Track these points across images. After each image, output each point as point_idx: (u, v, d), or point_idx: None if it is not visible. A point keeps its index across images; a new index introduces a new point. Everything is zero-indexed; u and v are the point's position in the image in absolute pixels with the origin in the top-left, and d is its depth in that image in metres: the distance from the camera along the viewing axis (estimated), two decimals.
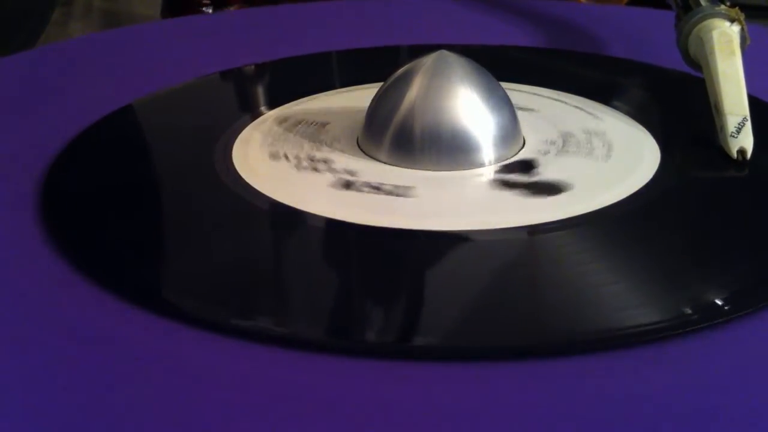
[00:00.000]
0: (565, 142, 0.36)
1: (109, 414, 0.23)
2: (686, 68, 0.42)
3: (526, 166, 0.34)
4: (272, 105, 0.41)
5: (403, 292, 0.28)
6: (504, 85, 0.36)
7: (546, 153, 0.35)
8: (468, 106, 0.34)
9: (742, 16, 0.39)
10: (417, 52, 0.36)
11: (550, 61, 0.49)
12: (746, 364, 0.24)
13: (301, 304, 0.28)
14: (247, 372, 0.24)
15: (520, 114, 0.36)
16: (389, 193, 0.32)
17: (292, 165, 0.35)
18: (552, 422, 0.22)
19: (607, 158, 0.35)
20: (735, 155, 0.35)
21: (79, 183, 0.35)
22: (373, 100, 0.36)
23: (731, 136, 0.35)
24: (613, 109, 0.40)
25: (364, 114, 0.36)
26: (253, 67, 0.47)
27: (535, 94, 0.42)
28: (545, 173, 0.34)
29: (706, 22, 0.39)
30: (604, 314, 0.27)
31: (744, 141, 0.35)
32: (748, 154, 0.34)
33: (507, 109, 0.36)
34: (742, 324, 0.26)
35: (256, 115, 0.40)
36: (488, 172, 0.34)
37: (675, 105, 0.41)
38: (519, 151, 0.36)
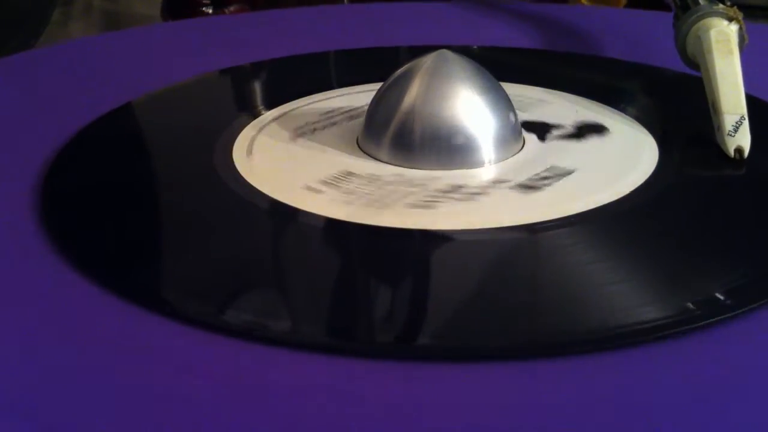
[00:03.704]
0: (560, 151, 0.36)
1: (108, 413, 0.23)
2: (684, 69, 0.42)
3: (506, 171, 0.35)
4: (272, 104, 0.41)
5: (401, 292, 0.28)
6: (504, 85, 0.36)
7: (536, 160, 0.35)
8: (468, 106, 0.35)
9: (740, 15, 0.40)
10: (417, 53, 0.37)
11: (550, 61, 0.49)
12: (747, 362, 0.24)
13: (301, 304, 0.28)
14: (247, 372, 0.24)
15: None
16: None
17: (292, 165, 0.35)
18: (552, 422, 0.22)
19: (597, 169, 0.35)
20: (732, 154, 0.35)
21: (78, 182, 0.35)
22: (373, 100, 0.36)
23: (728, 134, 0.35)
24: (612, 109, 0.40)
25: (364, 114, 0.37)
26: (253, 66, 0.47)
27: (534, 93, 0.42)
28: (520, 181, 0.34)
29: (704, 21, 0.40)
30: (603, 313, 0.27)
31: (741, 140, 0.35)
32: (746, 153, 0.35)
33: (507, 109, 0.36)
34: (743, 321, 0.26)
35: (256, 114, 0.40)
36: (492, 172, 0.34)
37: (673, 105, 0.42)
38: (519, 150, 0.36)
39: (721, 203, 0.33)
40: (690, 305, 0.26)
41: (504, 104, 0.36)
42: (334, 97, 0.42)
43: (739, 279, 0.28)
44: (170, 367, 0.24)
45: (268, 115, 0.40)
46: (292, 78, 0.46)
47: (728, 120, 0.35)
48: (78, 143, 0.38)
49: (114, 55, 0.51)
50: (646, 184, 0.33)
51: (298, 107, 0.41)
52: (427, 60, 0.36)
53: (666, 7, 0.45)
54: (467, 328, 0.26)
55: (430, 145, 0.34)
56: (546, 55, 0.50)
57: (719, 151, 0.35)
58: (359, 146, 0.36)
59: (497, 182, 0.33)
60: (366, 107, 0.37)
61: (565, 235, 0.30)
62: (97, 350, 0.25)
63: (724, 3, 0.40)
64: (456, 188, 0.33)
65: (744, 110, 0.35)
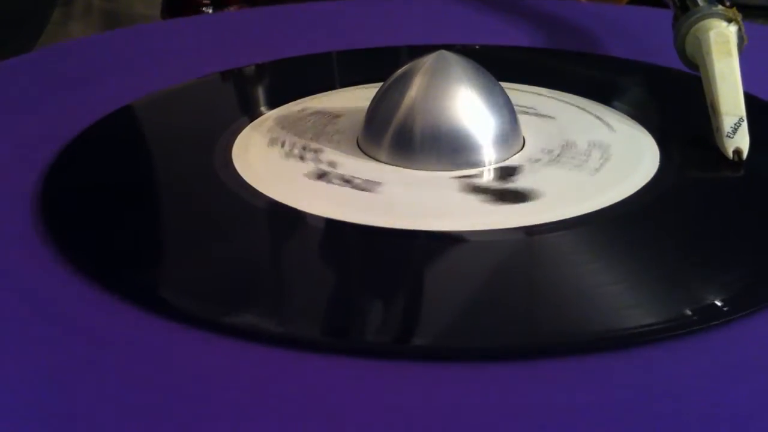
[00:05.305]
0: (561, 152, 0.36)
1: (108, 414, 0.23)
2: (686, 68, 0.42)
3: (506, 172, 0.34)
4: (272, 105, 0.41)
5: (400, 293, 0.29)
6: (504, 85, 0.37)
7: (537, 161, 0.35)
8: (468, 106, 0.35)
9: (739, 17, 0.40)
10: (417, 53, 0.37)
11: (549, 60, 0.49)
12: (744, 366, 0.24)
13: (300, 304, 0.28)
14: (246, 372, 0.24)
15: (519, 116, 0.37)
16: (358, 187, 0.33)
17: (291, 165, 0.35)
18: (549, 423, 0.23)
19: (596, 171, 0.34)
20: (731, 155, 0.35)
21: (79, 183, 0.35)
22: (373, 100, 0.36)
23: (727, 136, 0.35)
24: (612, 109, 0.40)
25: (364, 114, 0.37)
26: (253, 67, 0.47)
27: (534, 93, 0.42)
28: (521, 181, 0.33)
29: (703, 22, 0.40)
30: (602, 315, 0.27)
31: (740, 141, 0.35)
32: (744, 155, 0.35)
33: (507, 110, 0.36)
34: (741, 325, 0.26)
35: (256, 115, 0.40)
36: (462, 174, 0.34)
37: (675, 104, 0.42)
38: (518, 151, 0.36)
39: (720, 205, 0.33)
40: (689, 308, 0.26)
41: (504, 104, 0.36)
42: (333, 97, 0.42)
43: (738, 282, 0.28)
44: (169, 367, 0.24)
45: (268, 115, 0.40)
46: (292, 78, 0.46)
47: (727, 121, 0.35)
48: (78, 144, 0.38)
49: (114, 56, 0.51)
50: (647, 187, 0.33)
51: (297, 108, 0.41)
52: (427, 60, 0.36)
53: (668, 5, 0.45)
54: (465, 329, 0.26)
55: (430, 145, 0.34)
56: (546, 54, 0.50)
57: (719, 152, 0.35)
58: (359, 147, 0.36)
59: (497, 183, 0.33)
60: (366, 108, 0.37)
61: (565, 238, 0.30)
62: (96, 350, 0.25)
63: (723, 4, 0.40)
64: (455, 188, 0.33)
65: (743, 112, 0.35)
